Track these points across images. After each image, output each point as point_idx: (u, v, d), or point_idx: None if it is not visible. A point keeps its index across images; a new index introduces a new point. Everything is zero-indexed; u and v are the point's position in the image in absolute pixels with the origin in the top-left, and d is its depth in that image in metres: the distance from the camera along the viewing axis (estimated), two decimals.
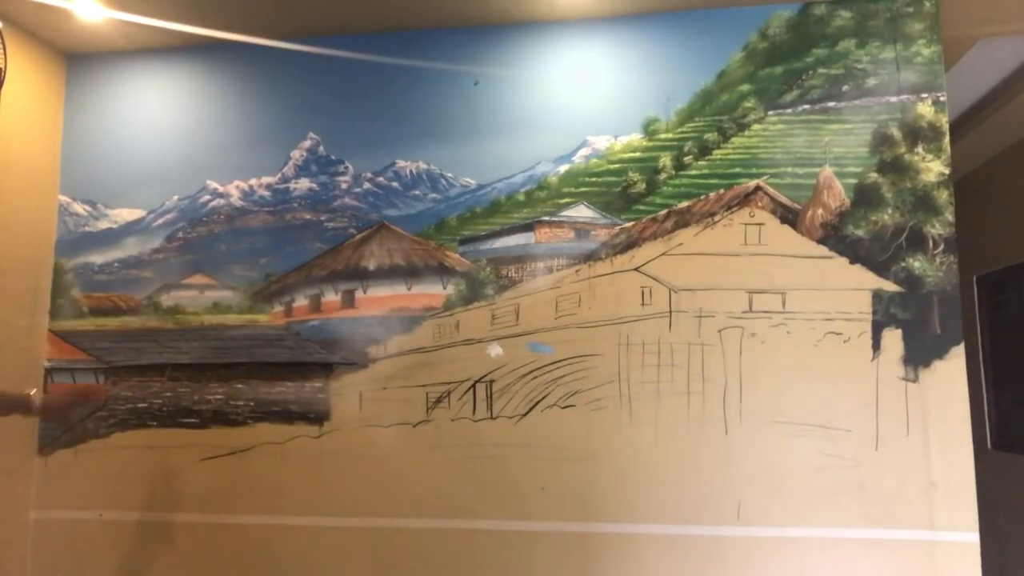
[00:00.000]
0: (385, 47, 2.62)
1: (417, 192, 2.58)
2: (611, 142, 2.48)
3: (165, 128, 2.72)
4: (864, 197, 2.32)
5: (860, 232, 2.30)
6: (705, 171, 2.43)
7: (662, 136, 2.46)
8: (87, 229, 2.74)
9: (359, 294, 2.54)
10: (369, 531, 2.40)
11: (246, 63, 2.69)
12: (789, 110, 2.41)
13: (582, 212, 2.47)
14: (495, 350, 2.42)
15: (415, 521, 2.39)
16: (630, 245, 2.41)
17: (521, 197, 2.50)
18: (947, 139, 2.29)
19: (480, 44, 2.58)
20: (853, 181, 2.33)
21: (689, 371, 2.32)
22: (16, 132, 2.58)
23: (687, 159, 2.44)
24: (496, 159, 2.52)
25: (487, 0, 2.44)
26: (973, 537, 2.13)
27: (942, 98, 2.31)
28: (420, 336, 2.48)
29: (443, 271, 2.51)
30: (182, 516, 2.50)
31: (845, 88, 2.38)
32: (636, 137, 2.47)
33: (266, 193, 2.67)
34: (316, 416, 2.49)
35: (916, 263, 2.26)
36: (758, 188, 2.37)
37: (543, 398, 2.37)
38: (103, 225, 2.73)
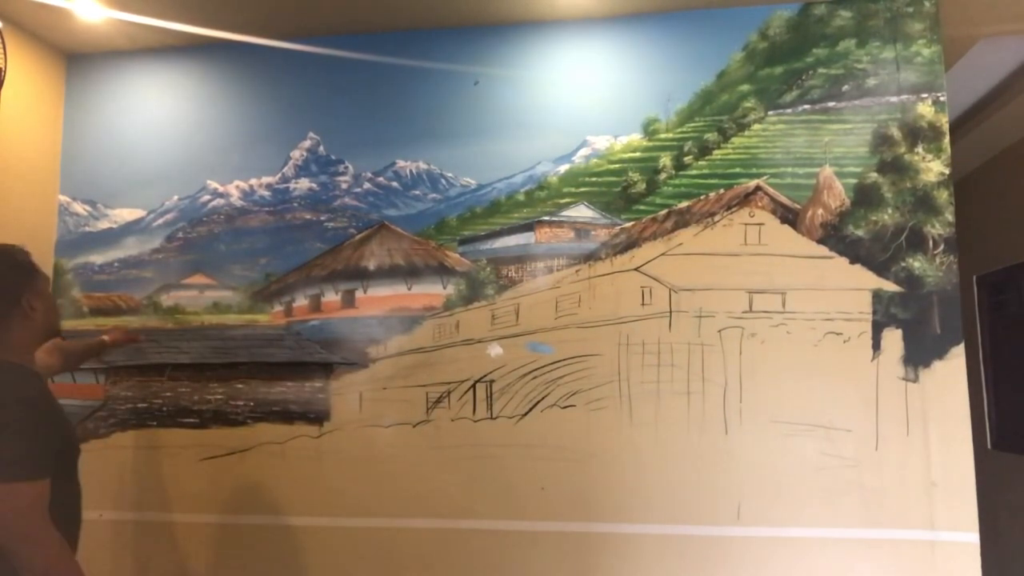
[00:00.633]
0: (385, 47, 2.62)
1: (417, 192, 2.58)
2: (611, 142, 2.48)
3: (165, 128, 2.72)
4: (864, 197, 2.32)
5: (860, 232, 2.30)
6: (705, 171, 2.43)
7: (662, 136, 2.46)
8: (87, 229, 2.74)
9: (359, 294, 2.54)
10: (369, 531, 2.40)
11: (246, 63, 2.69)
12: (789, 110, 2.41)
13: (582, 212, 2.47)
14: (495, 350, 2.42)
15: (415, 521, 2.39)
16: (630, 245, 2.41)
17: (521, 197, 2.50)
18: (947, 139, 2.29)
19: (480, 44, 2.58)
20: (853, 181, 2.33)
21: (689, 371, 2.32)
22: (16, 132, 2.59)
23: (687, 159, 2.44)
24: (496, 159, 2.52)
25: (487, 0, 2.44)
26: (973, 537, 2.13)
27: (942, 98, 2.32)
28: (420, 336, 2.48)
29: (443, 271, 2.51)
30: (182, 516, 2.50)
31: (845, 88, 2.38)
32: (636, 137, 2.47)
33: (266, 193, 2.67)
34: (316, 416, 2.49)
35: (916, 263, 2.26)
36: (758, 188, 2.37)
37: (543, 398, 2.37)
38: (103, 225, 2.73)
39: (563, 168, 2.49)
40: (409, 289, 2.52)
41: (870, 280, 2.28)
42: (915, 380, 2.22)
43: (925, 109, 2.31)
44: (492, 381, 2.41)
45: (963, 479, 2.15)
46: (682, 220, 2.40)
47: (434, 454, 2.41)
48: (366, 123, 2.62)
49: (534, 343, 2.41)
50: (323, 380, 2.51)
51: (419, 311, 2.50)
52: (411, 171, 2.59)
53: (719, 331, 2.32)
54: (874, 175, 2.32)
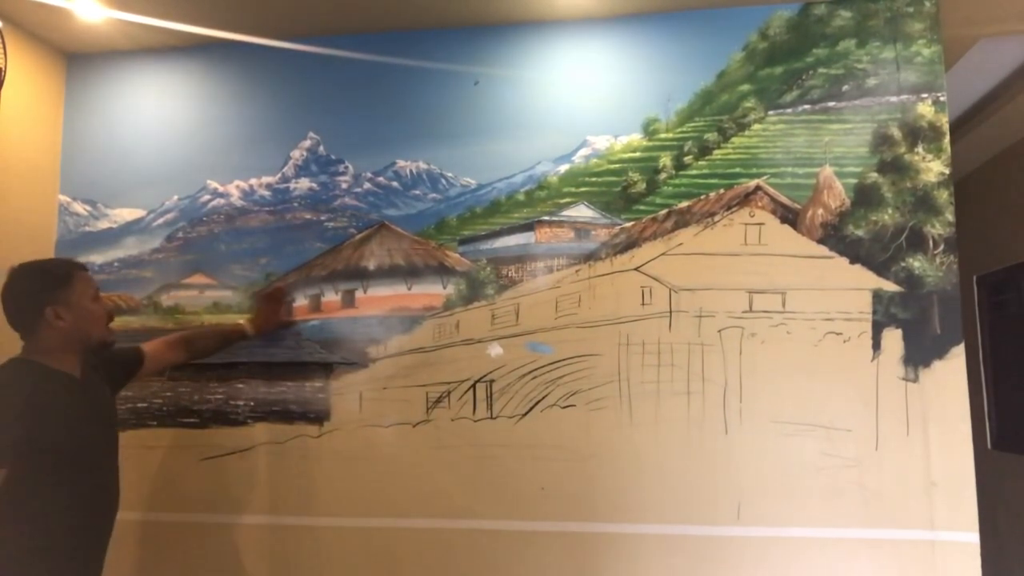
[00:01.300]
0: (385, 47, 2.62)
1: (417, 192, 2.58)
2: (611, 142, 2.48)
3: (165, 128, 2.72)
4: (864, 197, 2.32)
5: (860, 232, 2.30)
6: (705, 171, 2.43)
7: (662, 136, 2.46)
8: (87, 229, 2.74)
9: (359, 294, 2.54)
10: (369, 531, 2.40)
11: (246, 63, 2.69)
12: (789, 110, 2.41)
13: (582, 212, 2.47)
14: (495, 350, 2.42)
15: (415, 521, 2.39)
16: (630, 245, 2.41)
17: (521, 197, 2.50)
18: (947, 139, 2.29)
19: (480, 44, 2.58)
20: (853, 181, 2.33)
21: (689, 371, 2.32)
22: (16, 132, 2.59)
23: (687, 159, 2.44)
24: (496, 159, 2.52)
25: (487, 0, 2.44)
26: (973, 537, 2.13)
27: (942, 98, 2.32)
28: (420, 336, 2.48)
29: (443, 271, 2.51)
30: (182, 516, 2.50)
31: (845, 88, 2.38)
32: (636, 137, 2.47)
33: (266, 193, 2.67)
34: (316, 416, 2.49)
35: (916, 263, 2.26)
36: (758, 188, 2.37)
37: (543, 398, 2.37)
38: (103, 225, 2.73)
39: (563, 168, 2.49)
40: (409, 289, 2.52)
41: (870, 280, 2.28)
42: (915, 380, 2.22)
43: (925, 109, 2.31)
44: (492, 381, 2.41)
45: (963, 479, 2.15)
46: (682, 220, 2.40)
47: (434, 454, 2.41)
48: (366, 123, 2.62)
49: (534, 343, 2.41)
50: (323, 380, 2.51)
51: (419, 311, 2.50)
52: (411, 171, 2.59)
53: (719, 331, 2.32)
54: (874, 175, 2.32)
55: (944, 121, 2.30)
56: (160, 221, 2.71)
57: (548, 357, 2.39)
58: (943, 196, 2.27)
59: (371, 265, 2.55)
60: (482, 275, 2.48)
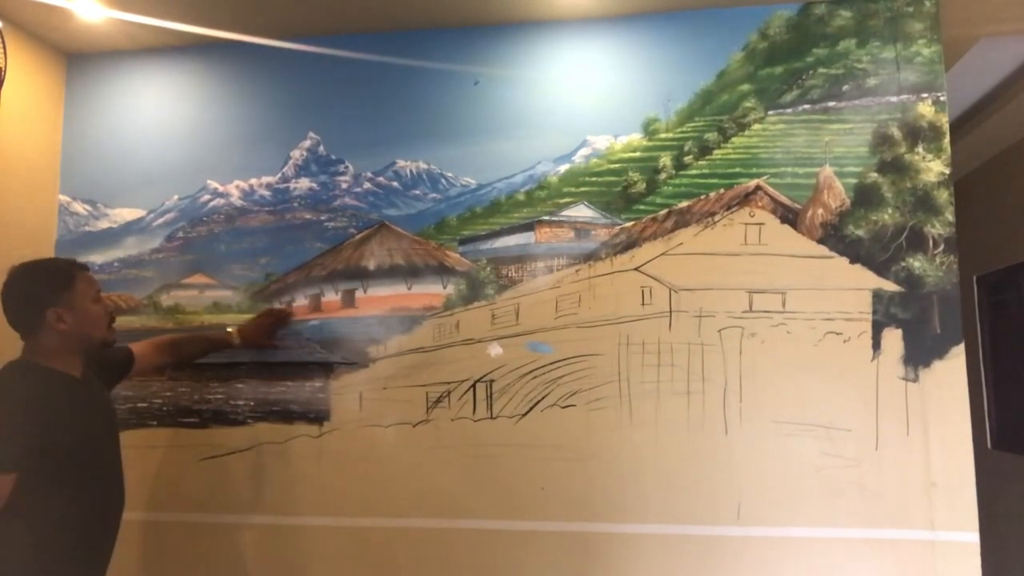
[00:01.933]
0: (385, 47, 2.62)
1: (417, 192, 2.58)
2: (611, 142, 2.48)
3: (165, 128, 2.72)
4: (864, 197, 2.32)
5: (860, 232, 2.30)
6: (705, 171, 2.43)
7: (662, 136, 2.46)
8: (87, 229, 2.74)
9: (359, 294, 2.54)
10: (369, 531, 2.40)
11: (246, 63, 2.69)
12: (789, 110, 2.41)
13: (582, 212, 2.47)
14: (495, 350, 2.42)
15: (415, 521, 2.39)
16: (630, 245, 2.41)
17: (521, 197, 2.50)
18: (947, 139, 2.29)
19: (480, 44, 2.58)
20: (853, 181, 2.33)
21: (689, 371, 2.32)
22: (16, 132, 2.59)
23: (687, 159, 2.44)
24: (496, 159, 2.52)
25: (487, 0, 2.44)
26: (973, 537, 2.13)
27: (942, 98, 2.32)
28: (420, 336, 2.48)
29: (443, 271, 2.51)
30: (182, 516, 2.50)
31: (845, 88, 2.38)
32: (636, 137, 2.47)
33: (266, 193, 2.67)
34: (316, 416, 2.49)
35: (916, 263, 2.26)
36: (758, 188, 2.37)
37: (543, 398, 2.37)
38: (103, 225, 2.73)
39: (563, 168, 2.49)
40: (409, 289, 2.52)
41: (870, 280, 2.28)
42: (915, 380, 2.22)
43: (925, 109, 2.31)
44: (492, 381, 2.41)
45: (963, 479, 2.15)
46: (682, 220, 2.40)
47: (434, 454, 2.41)
48: (366, 123, 2.62)
49: (534, 343, 2.41)
50: (323, 380, 2.51)
51: (419, 311, 2.50)
52: (411, 171, 2.59)
53: (719, 331, 2.32)
54: (874, 175, 2.32)
55: (944, 121, 2.30)
56: (160, 221, 2.71)
57: (548, 357, 2.39)
58: (943, 196, 2.27)
59: (371, 265, 2.55)
60: (482, 275, 2.48)
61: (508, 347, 2.42)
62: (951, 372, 2.20)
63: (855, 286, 2.28)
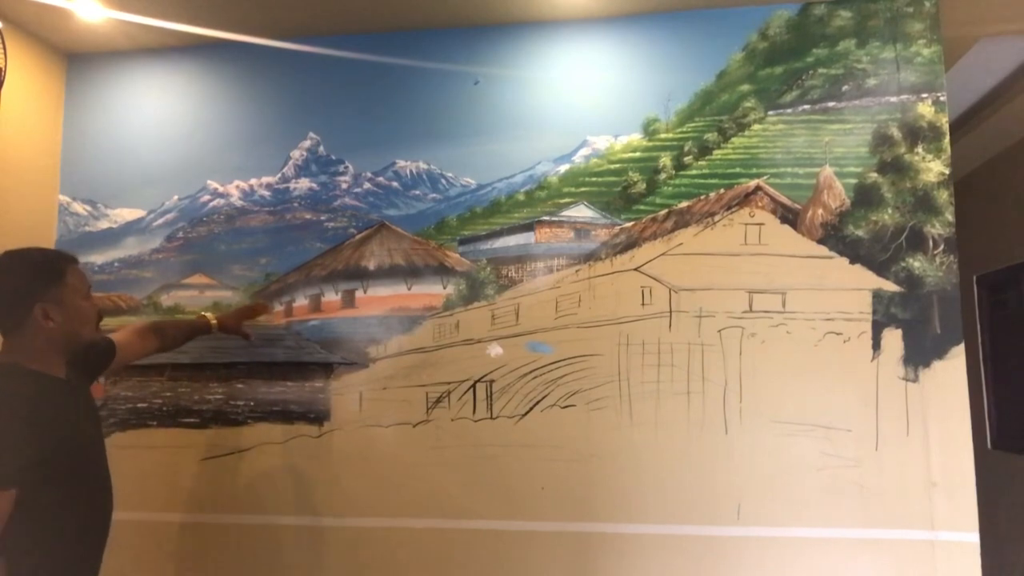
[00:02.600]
0: (385, 47, 2.62)
1: (417, 192, 2.58)
2: (611, 142, 2.48)
3: (165, 128, 2.72)
4: (864, 197, 2.32)
5: (860, 232, 2.30)
6: (705, 171, 2.43)
7: (662, 136, 2.46)
8: (87, 229, 2.74)
9: (359, 294, 2.54)
10: (369, 531, 2.40)
11: (246, 63, 2.69)
12: (789, 110, 2.41)
13: (582, 212, 2.47)
14: (495, 350, 2.42)
15: (415, 521, 2.39)
16: (630, 245, 2.41)
17: (521, 197, 2.50)
18: (947, 139, 2.29)
19: (480, 44, 2.58)
20: (853, 181, 2.33)
21: (689, 371, 2.32)
22: (16, 132, 2.59)
23: (687, 159, 2.44)
24: (496, 159, 2.52)
25: (487, 0, 2.44)
26: (973, 537, 2.13)
27: (942, 98, 2.32)
28: (420, 336, 2.48)
29: (443, 271, 2.51)
30: (182, 516, 2.50)
31: (845, 88, 2.38)
32: (636, 137, 2.47)
33: (266, 193, 2.67)
34: (316, 416, 2.49)
35: (916, 263, 2.26)
36: (758, 188, 2.37)
37: (543, 398, 2.37)
38: (103, 225, 2.73)
39: (563, 168, 2.49)
40: (409, 289, 2.52)
41: (870, 280, 2.28)
42: (915, 380, 2.22)
43: (925, 109, 2.31)
44: (492, 381, 2.41)
45: (963, 479, 2.15)
46: (682, 220, 2.40)
47: (434, 454, 2.41)
48: (366, 123, 2.62)
49: (534, 343, 2.41)
50: (323, 380, 2.51)
51: (419, 311, 2.50)
52: (411, 171, 2.59)
53: (719, 331, 2.32)
54: (874, 175, 2.32)
55: (944, 121, 2.30)
56: (160, 221, 2.71)
57: (548, 357, 2.39)
58: (943, 196, 2.27)
59: (371, 265, 2.55)
60: (482, 275, 2.48)
61: (508, 347, 2.42)
62: (951, 372, 2.20)
63: (855, 286, 2.28)
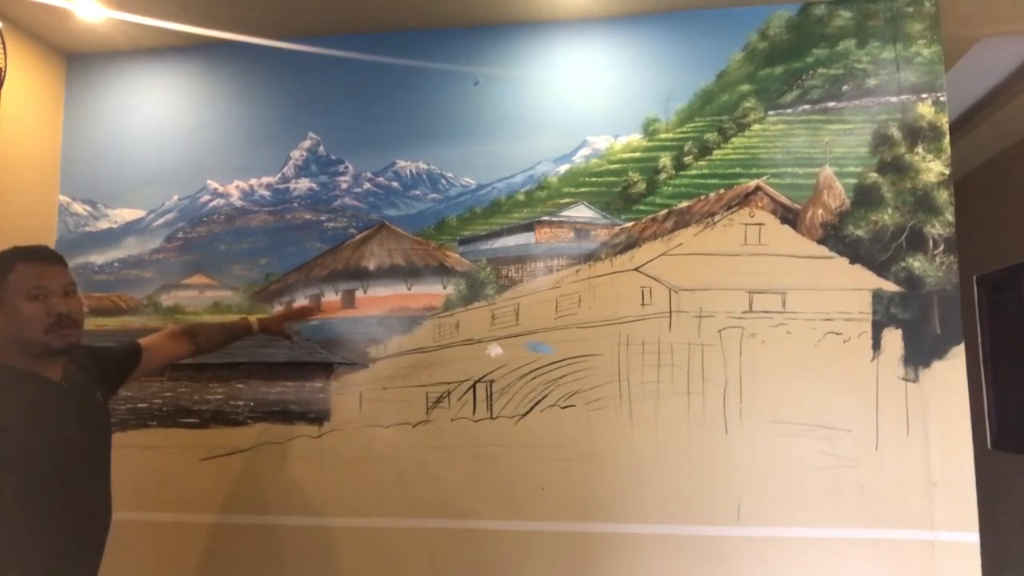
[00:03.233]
0: (385, 47, 2.62)
1: (417, 192, 2.58)
2: (611, 142, 2.48)
3: (165, 128, 2.72)
4: (864, 197, 2.32)
5: (860, 232, 2.30)
6: (705, 171, 2.43)
7: (662, 136, 2.46)
8: (87, 229, 2.74)
9: (359, 294, 2.54)
10: (369, 531, 2.40)
11: (246, 63, 2.69)
12: (789, 110, 2.41)
13: (582, 212, 2.47)
14: (495, 350, 2.42)
15: (415, 521, 2.39)
16: (630, 245, 2.41)
17: (521, 197, 2.50)
18: (947, 139, 2.29)
19: (480, 44, 2.58)
20: (853, 181, 2.33)
21: (689, 371, 2.32)
22: (16, 132, 2.59)
23: (687, 159, 2.44)
24: (496, 159, 2.52)
25: (487, 0, 2.44)
26: (973, 537, 2.13)
27: (942, 98, 2.32)
28: (420, 336, 2.48)
29: (443, 271, 2.51)
30: (182, 516, 2.50)
31: (845, 88, 2.38)
32: (636, 137, 2.47)
33: (266, 193, 2.67)
34: (316, 416, 2.49)
35: (916, 263, 2.26)
36: (758, 188, 2.37)
37: (543, 398, 2.37)
38: (103, 225, 2.73)
39: (563, 168, 2.49)
40: (409, 289, 2.52)
41: (870, 280, 2.28)
42: (915, 380, 2.22)
43: (925, 109, 2.31)
44: (492, 381, 2.41)
45: (963, 479, 2.15)
46: (682, 220, 2.40)
47: (434, 454, 2.41)
48: (366, 123, 2.62)
49: (534, 343, 2.41)
50: (323, 380, 2.51)
51: (419, 311, 2.50)
52: (411, 171, 2.59)
53: (719, 331, 2.32)
54: (874, 175, 2.32)
55: (944, 121, 2.30)
56: (160, 221, 2.71)
57: (548, 357, 2.39)
58: (943, 196, 2.27)
59: (371, 265, 2.55)
60: (482, 275, 2.48)
61: (508, 347, 2.42)
62: (951, 372, 2.20)
63: (855, 286, 2.28)
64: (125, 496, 2.37)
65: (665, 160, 2.45)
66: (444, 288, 2.50)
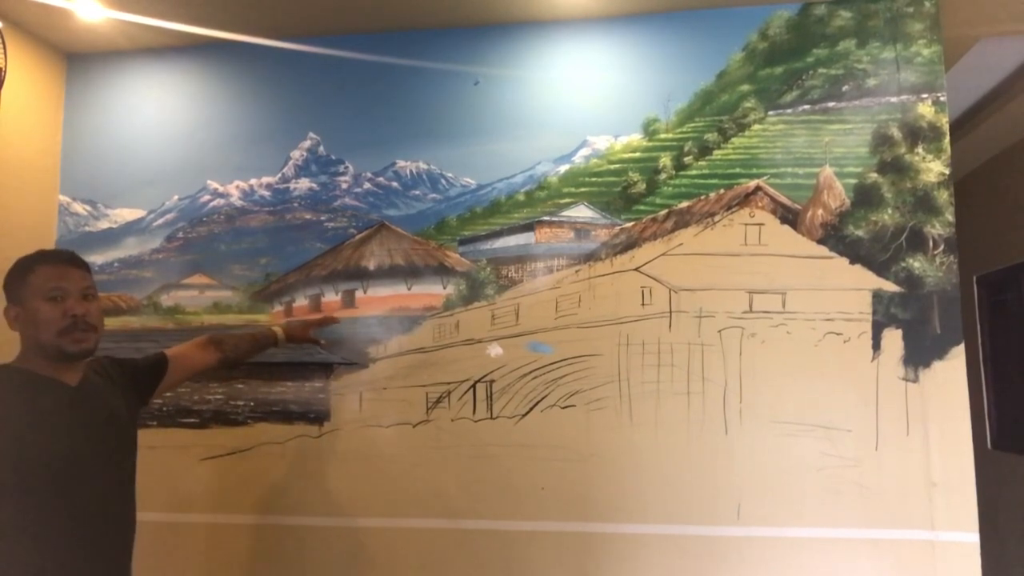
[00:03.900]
0: (385, 47, 2.62)
1: (417, 192, 2.58)
2: (611, 142, 2.48)
3: (165, 128, 2.72)
4: (864, 197, 2.32)
5: (860, 232, 2.30)
6: (705, 171, 2.43)
7: (662, 136, 2.46)
8: (87, 229, 2.74)
9: (359, 294, 2.54)
10: (369, 531, 2.40)
11: (246, 63, 2.69)
12: (789, 110, 2.41)
13: (582, 212, 2.47)
14: (495, 350, 2.42)
15: (415, 521, 2.39)
16: (630, 245, 2.41)
17: (521, 197, 2.50)
18: (947, 139, 2.29)
19: (480, 44, 2.58)
20: (853, 181, 2.33)
21: (689, 371, 2.32)
22: (16, 132, 2.59)
23: (687, 159, 2.44)
24: (496, 159, 2.52)
25: (487, 0, 2.44)
26: (973, 537, 2.13)
27: (942, 98, 2.32)
28: (420, 336, 2.48)
29: (443, 271, 2.51)
30: (182, 516, 2.50)
31: (845, 88, 2.38)
32: (636, 137, 2.47)
33: (266, 193, 2.67)
34: (316, 416, 2.49)
35: (916, 263, 2.26)
36: (758, 188, 2.37)
37: (543, 398, 2.37)
38: (103, 225, 2.73)
39: (563, 168, 2.49)
40: (409, 289, 2.52)
41: (870, 280, 2.28)
42: (915, 380, 2.22)
43: (925, 109, 2.31)
44: (492, 381, 2.41)
45: (963, 479, 2.15)
46: (682, 220, 2.40)
47: (434, 454, 2.41)
48: (366, 123, 2.62)
49: (534, 343, 2.41)
50: (323, 380, 2.51)
51: (419, 311, 2.50)
52: (411, 171, 2.59)
53: (719, 331, 2.32)
54: (874, 175, 2.32)
55: (944, 121, 2.30)
56: (160, 221, 2.71)
57: (548, 357, 2.39)
58: (943, 196, 2.27)
59: (371, 265, 2.55)
60: (482, 275, 2.48)
61: (508, 347, 2.42)
62: (951, 372, 2.20)
63: (855, 286, 2.28)
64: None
65: (665, 160, 2.45)
66: (444, 288, 2.50)
